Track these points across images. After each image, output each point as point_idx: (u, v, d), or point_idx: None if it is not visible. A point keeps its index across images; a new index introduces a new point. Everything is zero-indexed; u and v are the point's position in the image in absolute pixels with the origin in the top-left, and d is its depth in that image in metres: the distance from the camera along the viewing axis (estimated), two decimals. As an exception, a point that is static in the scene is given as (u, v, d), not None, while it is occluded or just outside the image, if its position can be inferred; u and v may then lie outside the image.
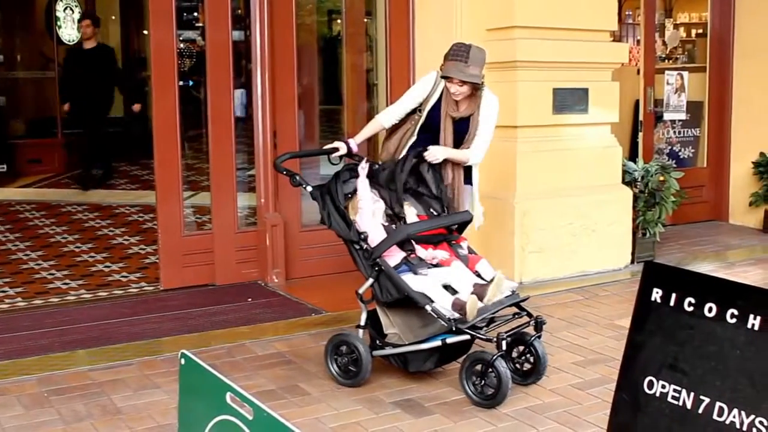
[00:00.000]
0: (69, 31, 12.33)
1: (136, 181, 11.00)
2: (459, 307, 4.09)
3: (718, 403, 2.68)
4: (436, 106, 4.71)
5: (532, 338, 4.30)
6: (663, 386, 2.81)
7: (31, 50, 12.65)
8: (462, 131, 4.68)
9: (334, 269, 6.43)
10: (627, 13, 10.65)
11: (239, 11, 7.94)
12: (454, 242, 4.56)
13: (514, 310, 4.38)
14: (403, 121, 4.84)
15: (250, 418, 2.00)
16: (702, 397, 2.71)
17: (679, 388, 2.77)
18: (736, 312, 2.66)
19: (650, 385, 2.85)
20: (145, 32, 12.05)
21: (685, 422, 2.75)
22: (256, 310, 5.71)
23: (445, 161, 4.64)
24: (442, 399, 4.24)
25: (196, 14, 13.90)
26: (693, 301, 2.76)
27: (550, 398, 4.25)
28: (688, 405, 2.74)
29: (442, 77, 4.64)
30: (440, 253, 4.45)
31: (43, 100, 12.34)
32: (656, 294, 2.87)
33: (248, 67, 6.55)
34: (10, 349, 4.90)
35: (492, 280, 4.21)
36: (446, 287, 4.26)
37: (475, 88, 4.61)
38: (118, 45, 13.73)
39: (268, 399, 4.17)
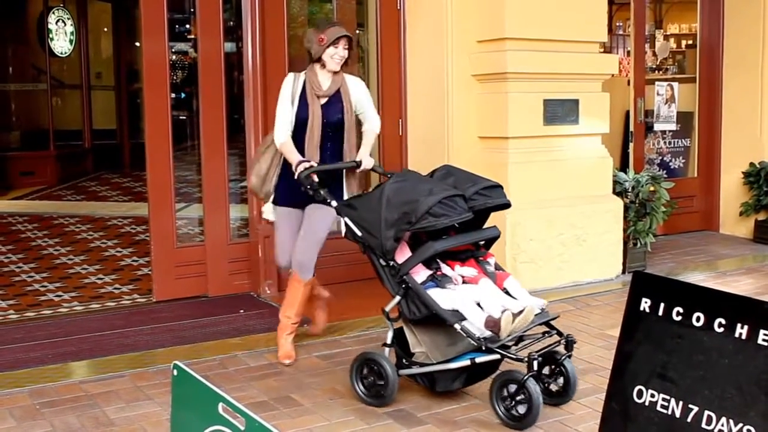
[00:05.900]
0: (61, 43, 12.38)
1: (129, 192, 11.01)
2: (492, 324, 3.97)
3: (706, 412, 2.70)
4: (302, 101, 4.79)
5: (563, 358, 4.17)
6: (652, 395, 2.84)
7: (23, 62, 12.67)
8: (331, 116, 4.80)
9: (325, 280, 6.44)
10: (617, 24, 10.73)
11: (231, 23, 7.97)
12: (481, 258, 4.42)
13: (544, 328, 4.25)
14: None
15: (242, 428, 2.02)
16: (691, 406, 2.74)
17: (668, 397, 2.79)
18: (723, 321, 2.68)
19: (639, 394, 2.87)
20: (138, 44, 12.07)
21: (674, 431, 2.77)
22: (249, 322, 5.72)
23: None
24: (434, 410, 4.24)
25: (188, 26, 13.94)
26: (681, 310, 2.79)
27: (542, 408, 4.25)
28: (677, 414, 2.76)
29: (330, 45, 4.72)
30: (468, 270, 4.32)
31: (36, 112, 12.37)
32: (645, 304, 2.89)
33: (240, 78, 6.57)
34: (1, 362, 4.89)
35: (522, 312, 4.03)
36: (477, 304, 4.12)
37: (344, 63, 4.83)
38: (111, 57, 13.78)
39: (261, 410, 4.18)
